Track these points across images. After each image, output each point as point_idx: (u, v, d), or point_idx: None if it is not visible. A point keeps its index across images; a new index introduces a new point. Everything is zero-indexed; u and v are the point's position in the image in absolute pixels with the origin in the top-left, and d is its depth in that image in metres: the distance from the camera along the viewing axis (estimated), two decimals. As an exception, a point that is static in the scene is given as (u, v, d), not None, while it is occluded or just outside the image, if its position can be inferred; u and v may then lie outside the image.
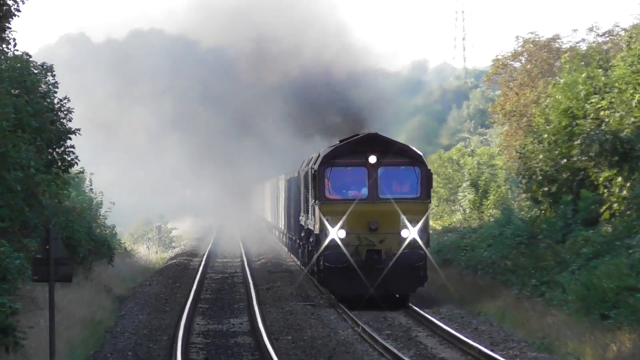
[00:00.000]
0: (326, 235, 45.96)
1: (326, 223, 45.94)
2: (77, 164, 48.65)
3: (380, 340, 38.26)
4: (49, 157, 43.32)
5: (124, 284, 56.63)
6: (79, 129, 46.00)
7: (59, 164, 45.11)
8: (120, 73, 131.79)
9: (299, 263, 72.25)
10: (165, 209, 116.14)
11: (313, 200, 47.69)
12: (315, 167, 47.07)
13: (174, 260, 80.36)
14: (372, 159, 45.88)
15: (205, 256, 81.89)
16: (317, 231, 47.23)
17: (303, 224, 57.22)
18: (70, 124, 45.70)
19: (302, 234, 59.08)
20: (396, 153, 46.40)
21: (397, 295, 46.87)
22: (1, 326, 28.64)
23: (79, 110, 48.16)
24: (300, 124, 71.05)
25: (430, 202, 47.94)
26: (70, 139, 45.25)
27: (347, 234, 45.70)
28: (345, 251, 45.28)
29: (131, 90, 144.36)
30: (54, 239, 29.97)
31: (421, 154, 47.72)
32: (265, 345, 37.18)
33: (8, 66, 39.76)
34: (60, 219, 45.32)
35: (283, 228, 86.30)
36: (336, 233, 45.69)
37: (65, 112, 44.95)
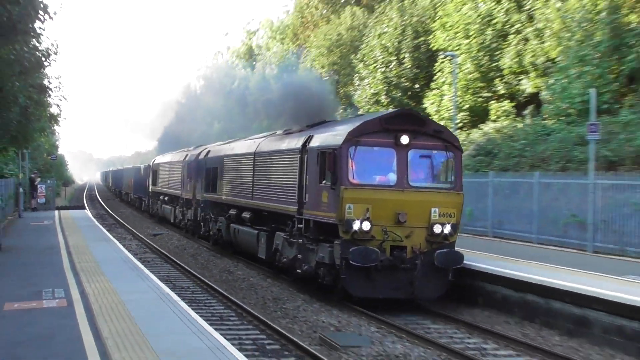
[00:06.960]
0: (349, 228, 19.12)
1: (350, 214, 19.11)
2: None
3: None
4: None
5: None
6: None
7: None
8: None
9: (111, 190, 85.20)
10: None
11: (329, 184, 19.60)
12: (337, 144, 19.73)
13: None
14: (404, 140, 19.77)
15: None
16: (333, 221, 19.41)
17: (186, 196, 36.41)
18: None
19: (182, 201, 37.77)
20: (429, 134, 20.30)
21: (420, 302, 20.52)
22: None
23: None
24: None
25: (463, 194, 20.63)
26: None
27: (371, 226, 19.18)
28: (376, 248, 19.03)
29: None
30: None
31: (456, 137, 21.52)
32: (113, 215, 48.77)
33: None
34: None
35: (112, 185, 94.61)
36: (360, 225, 19.07)
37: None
